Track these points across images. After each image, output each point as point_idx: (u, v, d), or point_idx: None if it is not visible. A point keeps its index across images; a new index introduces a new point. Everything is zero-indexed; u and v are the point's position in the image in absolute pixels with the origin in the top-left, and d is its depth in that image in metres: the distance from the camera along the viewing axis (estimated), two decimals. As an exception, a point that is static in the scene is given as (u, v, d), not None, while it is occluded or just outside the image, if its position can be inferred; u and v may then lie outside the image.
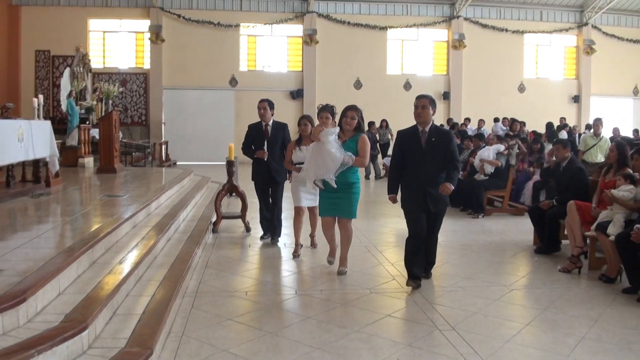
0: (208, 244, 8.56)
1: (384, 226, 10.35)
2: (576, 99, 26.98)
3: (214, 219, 9.66)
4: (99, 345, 4.12)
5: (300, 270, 7.34)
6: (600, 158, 12.83)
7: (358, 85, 25.26)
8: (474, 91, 25.41)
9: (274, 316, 5.51)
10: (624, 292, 6.37)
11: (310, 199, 7.77)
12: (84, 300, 4.51)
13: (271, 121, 8.58)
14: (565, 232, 8.02)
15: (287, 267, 7.48)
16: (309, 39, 24.52)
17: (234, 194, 9.92)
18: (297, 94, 24.72)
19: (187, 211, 9.82)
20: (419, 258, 6.39)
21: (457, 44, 25.67)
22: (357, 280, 6.70)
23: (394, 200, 6.54)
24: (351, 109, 6.80)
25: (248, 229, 9.51)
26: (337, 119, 6.98)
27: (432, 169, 6.31)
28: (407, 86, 25.52)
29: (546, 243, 8.28)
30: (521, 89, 26.51)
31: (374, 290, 6.35)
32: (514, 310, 5.94)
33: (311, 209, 8.06)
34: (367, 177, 18.49)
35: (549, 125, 16.18)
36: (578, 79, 27.27)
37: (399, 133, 6.70)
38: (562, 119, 22.00)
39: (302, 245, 8.01)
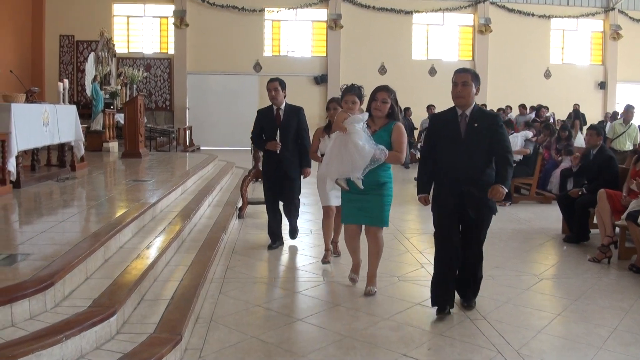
0: (234, 229, 8.53)
1: (409, 213, 10.27)
2: (602, 85, 26.46)
3: (239, 204, 9.62)
4: (127, 331, 4.10)
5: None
6: (629, 146, 12.57)
7: (383, 70, 24.96)
8: (500, 76, 25.02)
9: (302, 303, 5.48)
10: None
11: (340, 196, 6.19)
12: (112, 285, 4.50)
13: (283, 104, 7.34)
14: (595, 221, 7.92)
15: (313, 253, 7.35)
16: (334, 23, 24.25)
17: (259, 179, 9.63)
18: (321, 79, 24.51)
19: (213, 196, 9.81)
20: (451, 280, 5.19)
21: (483, 28, 25.23)
22: (385, 267, 6.41)
23: (427, 202, 5.29)
24: (382, 89, 5.52)
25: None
26: (365, 104, 5.78)
27: (474, 164, 5.00)
28: (433, 72, 25.22)
29: (575, 232, 8.17)
30: (547, 74, 26.08)
31: (402, 279, 6.28)
32: (545, 300, 5.86)
33: (340, 209, 6.55)
34: (406, 166, 17.07)
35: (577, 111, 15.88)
36: (604, 65, 26.70)
37: (432, 117, 5.61)
38: (576, 105, 21.66)
39: (332, 252, 7.04)
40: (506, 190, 4.92)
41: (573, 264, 7.14)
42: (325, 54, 24.77)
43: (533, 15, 25.62)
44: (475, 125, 5.01)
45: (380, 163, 5.39)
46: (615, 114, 19.29)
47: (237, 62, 23.94)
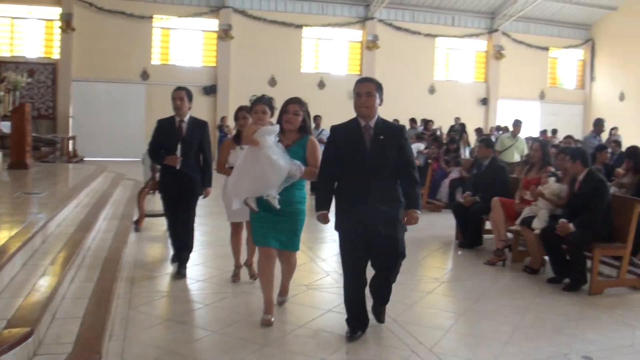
0: (133, 243, 8.38)
1: (309, 223, 10.40)
2: (484, 101, 27.98)
3: (135, 217, 9.46)
4: (44, 352, 4.00)
5: (232, 267, 7.02)
6: (517, 158, 13.44)
7: (273, 82, 25.14)
8: (387, 91, 25.53)
9: (214, 315, 5.52)
10: (548, 281, 6.92)
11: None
12: (24, 304, 4.36)
13: (187, 116, 6.77)
14: (486, 227, 8.48)
15: (218, 265, 7.31)
16: (224, 34, 24.23)
17: (157, 191, 9.40)
18: (210, 90, 24.38)
19: (107, 209, 9.55)
20: (363, 304, 5.03)
21: (371, 44, 26.07)
22: (292, 277, 6.49)
23: (326, 219, 4.97)
24: (294, 102, 5.27)
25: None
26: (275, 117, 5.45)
27: (381, 178, 4.79)
28: (322, 85, 25.76)
29: (469, 238, 8.69)
30: (431, 90, 27.22)
31: (310, 287, 6.45)
32: (448, 301, 6.31)
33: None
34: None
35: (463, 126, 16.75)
36: (487, 82, 28.31)
37: (333, 129, 5.11)
38: (457, 119, 22.66)
39: (250, 276, 6.67)
40: (419, 214, 4.78)
41: (470, 267, 7.66)
42: (215, 64, 24.69)
43: (419, 34, 26.75)
44: (381, 137, 4.82)
45: (295, 180, 5.06)
46: (505, 128, 20.32)
47: (124, 69, 23.33)
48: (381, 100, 4.95)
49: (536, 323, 5.46)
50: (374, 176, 4.77)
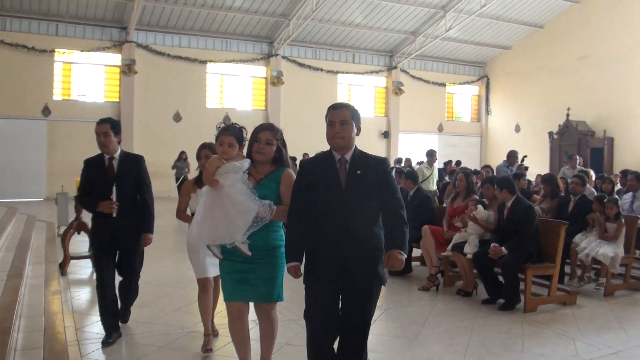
0: (63, 288, 8.13)
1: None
2: (386, 134, 29.49)
3: (60, 260, 9.36)
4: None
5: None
6: (433, 186, 14.44)
7: (177, 118, 25.53)
8: (293, 126, 26.43)
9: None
10: (483, 302, 7.66)
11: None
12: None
13: (118, 152, 5.96)
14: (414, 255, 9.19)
15: (162, 330, 6.36)
16: (128, 68, 24.33)
17: (82, 231, 9.66)
18: None
19: (29, 254, 9.60)
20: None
21: (276, 80, 26.94)
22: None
23: (298, 273, 4.22)
24: (266, 128, 4.55)
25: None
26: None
27: (359, 222, 4.15)
28: (227, 120, 25.96)
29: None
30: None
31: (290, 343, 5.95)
32: (396, 328, 6.68)
33: (217, 280, 5.55)
34: None
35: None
36: (387, 117, 29.90)
37: (304, 163, 4.57)
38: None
39: (216, 334, 6.00)
40: (405, 257, 4.14)
41: (405, 293, 8.24)
42: (118, 100, 24.68)
43: (322, 70, 27.99)
44: (358, 172, 4.18)
45: (266, 223, 4.33)
46: (408, 160, 21.42)
47: (25, 105, 22.99)
48: (358, 130, 4.29)
49: (485, 342, 6.05)
50: (350, 219, 4.12)
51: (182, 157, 21.50)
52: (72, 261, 9.62)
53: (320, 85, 27.82)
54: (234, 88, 27.14)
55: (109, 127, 5.84)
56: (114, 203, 5.73)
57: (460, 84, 31.83)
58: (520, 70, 29.81)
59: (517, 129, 29.96)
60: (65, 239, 9.49)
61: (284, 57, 27.20)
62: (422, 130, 30.56)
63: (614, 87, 25.16)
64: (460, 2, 25.54)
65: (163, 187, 20.35)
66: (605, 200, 8.80)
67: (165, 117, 25.13)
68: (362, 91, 29.66)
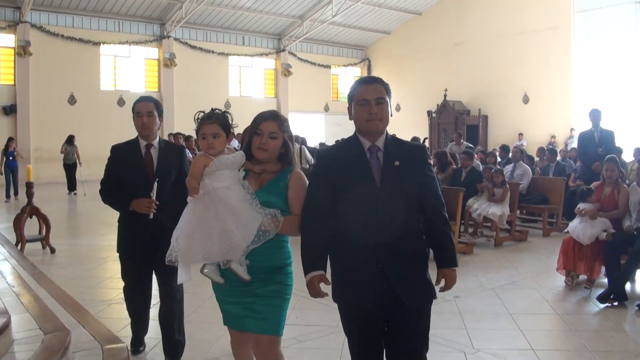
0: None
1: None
2: (271, 115, 31.63)
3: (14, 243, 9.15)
4: None
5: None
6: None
7: (72, 100, 25.96)
8: (187, 108, 27.84)
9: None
10: None
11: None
12: None
13: (157, 139, 4.99)
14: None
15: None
16: (22, 50, 24.42)
17: (33, 215, 9.75)
18: (10, 110, 24.44)
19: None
20: None
21: (168, 62, 28.21)
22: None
23: (320, 291, 3.44)
24: (269, 118, 3.69)
25: (53, 250, 9.58)
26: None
27: (398, 223, 3.37)
28: (121, 102, 26.91)
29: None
30: (227, 105, 29.80)
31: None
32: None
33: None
34: None
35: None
36: (277, 97, 32.36)
37: (323, 154, 3.76)
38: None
39: None
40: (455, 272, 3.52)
41: None
42: (13, 83, 24.87)
43: (213, 52, 29.86)
44: (396, 163, 3.41)
45: (270, 238, 3.50)
46: (303, 139, 23.55)
47: None
48: (391, 112, 3.54)
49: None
50: (388, 219, 3.35)
51: (72, 141, 20.83)
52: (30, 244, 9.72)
53: (212, 67, 29.62)
54: (127, 70, 27.97)
55: (154, 105, 4.90)
56: (152, 202, 4.73)
57: (344, 65, 34.86)
58: (399, 53, 33.14)
59: (398, 108, 32.81)
60: (19, 223, 9.50)
61: (176, 39, 28.55)
62: (310, 110, 33.21)
63: (487, 69, 28.67)
64: (345, -12, 27.94)
65: (58, 172, 21.43)
66: (492, 170, 11.17)
67: (61, 100, 25.51)
68: (252, 73, 31.80)
